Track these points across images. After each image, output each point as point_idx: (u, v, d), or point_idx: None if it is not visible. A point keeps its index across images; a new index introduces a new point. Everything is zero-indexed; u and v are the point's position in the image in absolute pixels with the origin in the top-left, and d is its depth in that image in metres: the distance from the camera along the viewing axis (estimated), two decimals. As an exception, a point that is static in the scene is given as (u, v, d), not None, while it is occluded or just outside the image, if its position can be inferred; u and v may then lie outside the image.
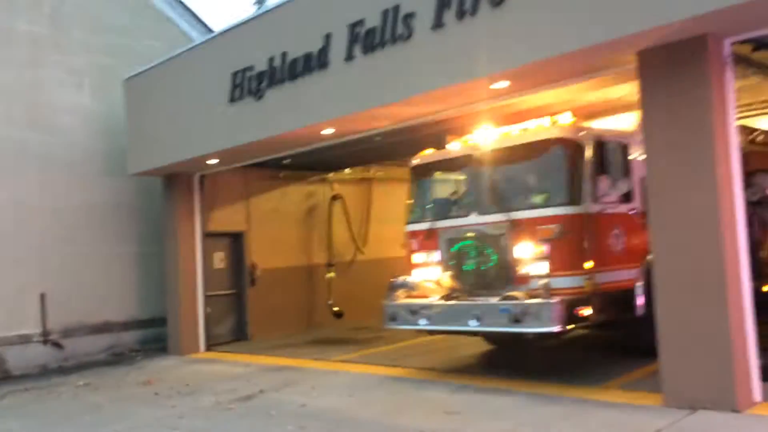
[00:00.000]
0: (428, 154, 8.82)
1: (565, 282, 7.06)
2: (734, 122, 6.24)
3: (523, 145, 7.76)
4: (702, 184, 6.03)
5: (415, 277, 8.45)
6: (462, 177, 8.46)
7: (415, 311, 7.95)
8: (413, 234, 8.63)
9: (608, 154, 7.52)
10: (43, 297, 11.93)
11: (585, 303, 7.04)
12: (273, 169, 13.04)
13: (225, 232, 13.16)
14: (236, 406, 7.80)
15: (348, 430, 6.45)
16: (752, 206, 7.08)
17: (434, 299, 8.01)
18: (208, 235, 12.79)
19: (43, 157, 12.23)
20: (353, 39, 8.04)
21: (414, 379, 8.41)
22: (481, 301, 7.46)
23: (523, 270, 7.36)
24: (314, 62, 8.54)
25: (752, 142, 9.59)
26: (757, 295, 6.61)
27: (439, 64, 7.29)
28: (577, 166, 7.41)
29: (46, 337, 11.95)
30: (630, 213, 7.84)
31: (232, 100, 9.76)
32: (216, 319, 12.91)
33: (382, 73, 7.87)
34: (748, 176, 7.18)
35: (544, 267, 7.08)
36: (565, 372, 7.95)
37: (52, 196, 12.25)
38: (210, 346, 12.51)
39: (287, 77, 8.91)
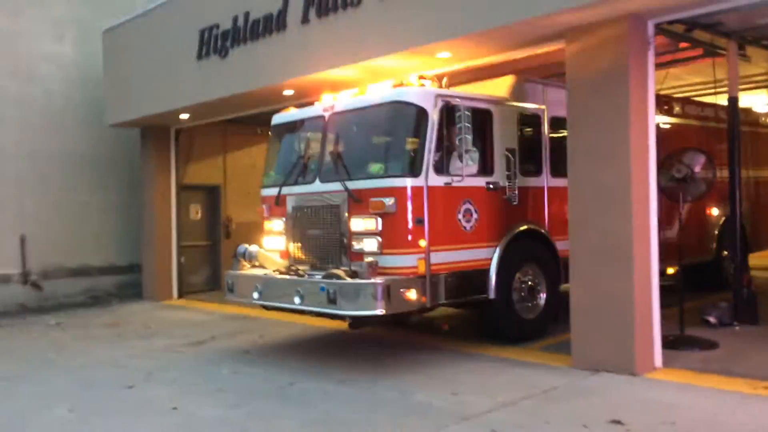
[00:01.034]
0: (287, 113, 8.20)
1: (396, 261, 6.54)
2: (653, 101, 6.47)
3: (364, 108, 7.15)
4: (615, 160, 6.31)
5: (263, 245, 7.91)
6: (312, 140, 7.58)
7: (249, 284, 7.43)
8: (265, 199, 8.00)
9: (460, 121, 6.65)
10: (23, 239, 12.44)
11: (414, 285, 6.46)
12: (251, 125, 13.31)
13: (201, 185, 13.56)
14: (186, 349, 8.31)
15: (281, 376, 6.90)
16: (678, 183, 7.28)
17: (265, 272, 7.46)
18: (183, 188, 13.20)
19: (21, 104, 12.63)
20: (309, 2, 8.24)
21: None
22: (306, 277, 6.93)
23: (357, 246, 6.80)
24: (273, 24, 8.77)
25: (688, 117, 9.70)
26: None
27: (384, 34, 7.52)
28: (417, 133, 6.73)
29: (25, 278, 12.51)
30: (489, 187, 7.34)
31: (200, 56, 10.04)
32: (191, 269, 13.40)
33: (334, 37, 8.07)
34: (677, 154, 7.39)
35: (374, 244, 6.64)
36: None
37: (30, 142, 12.70)
38: (183, 294, 13.04)
39: (249, 37, 9.16)
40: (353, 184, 6.86)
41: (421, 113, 6.76)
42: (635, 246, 6.26)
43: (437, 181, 6.77)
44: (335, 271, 6.62)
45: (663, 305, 6.63)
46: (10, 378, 7.23)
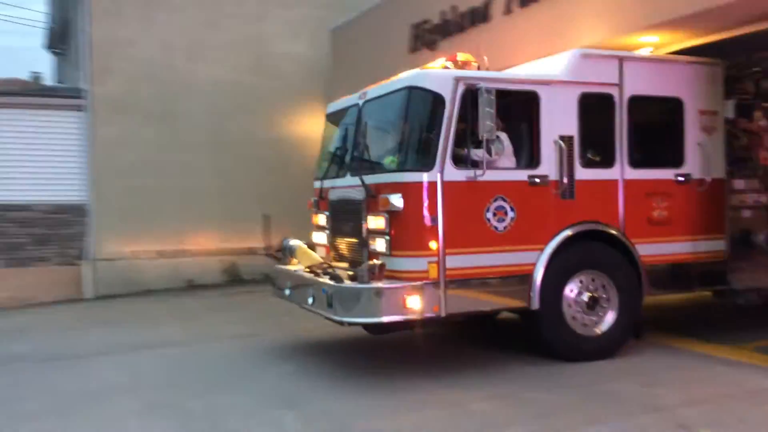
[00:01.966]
0: (337, 101, 7.59)
1: (404, 264, 5.83)
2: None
3: (384, 95, 6.45)
4: None
5: (312, 239, 7.58)
6: (348, 130, 7.00)
7: (282, 280, 7.22)
8: (315, 192, 7.54)
9: (486, 107, 5.73)
10: (266, 217, 13.81)
11: (418, 291, 5.71)
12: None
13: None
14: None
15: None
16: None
17: (297, 269, 7.07)
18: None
19: (266, 98, 14.32)
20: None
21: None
22: (320, 278, 6.35)
23: (372, 246, 6.13)
24: (478, 16, 9.44)
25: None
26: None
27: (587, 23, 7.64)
28: (432, 121, 5.95)
29: (267, 251, 13.87)
30: (533, 181, 6.25)
31: (412, 50, 10.75)
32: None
33: (537, 27, 8.25)
34: None
35: (383, 244, 5.95)
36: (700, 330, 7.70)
37: (274, 130, 14.49)
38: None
39: (456, 30, 9.89)
40: (370, 179, 6.21)
41: (437, 99, 5.95)
42: None
43: (456, 175, 5.93)
44: (339, 272, 6.08)
45: None
46: (246, 336, 8.45)
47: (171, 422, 5.29)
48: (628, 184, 6.66)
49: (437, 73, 6.30)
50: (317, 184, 7.53)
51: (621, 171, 6.66)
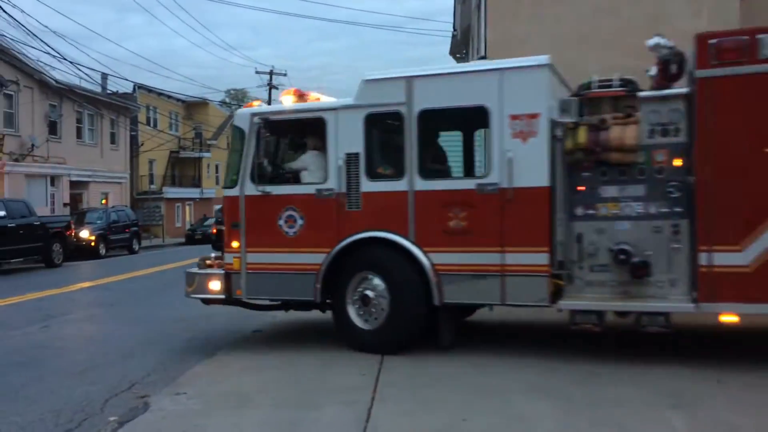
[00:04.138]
0: None
1: (226, 258, 7.60)
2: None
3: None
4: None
5: None
6: None
7: None
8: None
9: (260, 137, 7.31)
10: None
11: (219, 278, 7.53)
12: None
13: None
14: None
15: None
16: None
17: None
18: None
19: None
20: None
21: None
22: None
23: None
24: None
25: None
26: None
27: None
28: (240, 149, 7.55)
29: None
30: (320, 194, 7.14)
31: None
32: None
33: None
34: None
35: (219, 243, 8.00)
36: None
37: None
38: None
39: None
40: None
41: (241, 132, 7.60)
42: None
43: (254, 191, 7.42)
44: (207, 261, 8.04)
45: None
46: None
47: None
48: (419, 195, 6.80)
49: (240, 111, 7.92)
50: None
51: (410, 183, 6.84)
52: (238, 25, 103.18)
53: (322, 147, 7.28)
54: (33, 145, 28.99)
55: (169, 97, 44.64)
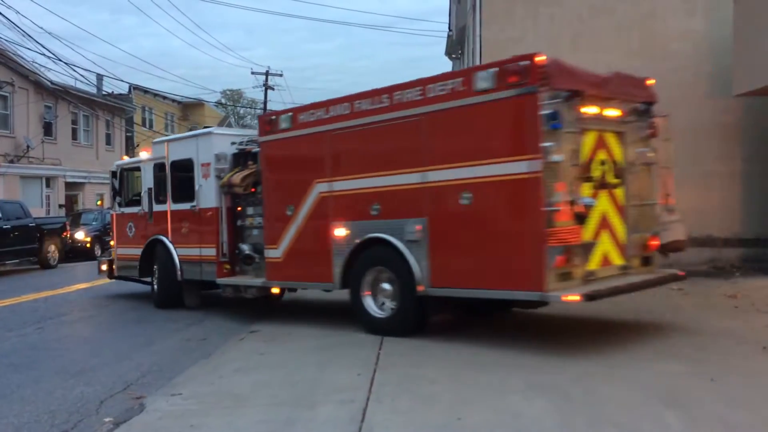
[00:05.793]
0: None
1: (113, 251, 12.98)
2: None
3: None
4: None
5: None
6: None
7: None
8: None
9: (122, 179, 12.61)
10: None
11: (109, 264, 13.00)
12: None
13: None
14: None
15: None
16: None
17: None
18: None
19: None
20: None
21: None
22: None
23: None
24: None
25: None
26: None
27: None
28: (116, 185, 12.72)
29: None
30: (139, 213, 11.81)
31: None
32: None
33: None
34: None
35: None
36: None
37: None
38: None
39: None
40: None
41: (113, 174, 12.80)
42: None
43: (118, 211, 12.67)
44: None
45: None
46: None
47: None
48: (173, 213, 11.08)
49: (115, 163, 13.10)
50: None
51: (169, 205, 11.23)
52: (232, 25, 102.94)
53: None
54: (28, 147, 28.99)
55: (165, 97, 44.68)
